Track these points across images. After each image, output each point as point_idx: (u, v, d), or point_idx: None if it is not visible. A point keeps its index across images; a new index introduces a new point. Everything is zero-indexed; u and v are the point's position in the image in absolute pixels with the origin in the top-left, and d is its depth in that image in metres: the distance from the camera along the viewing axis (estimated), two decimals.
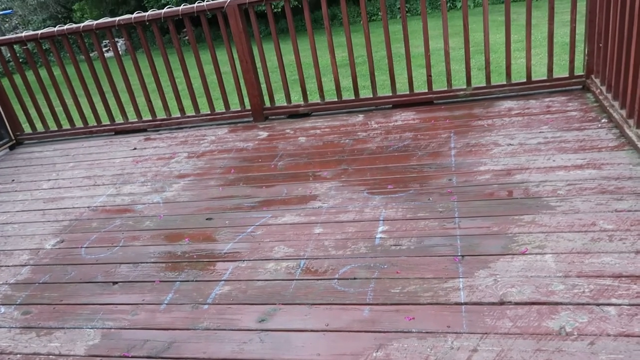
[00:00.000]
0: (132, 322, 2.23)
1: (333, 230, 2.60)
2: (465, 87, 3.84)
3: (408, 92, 3.97)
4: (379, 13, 14.20)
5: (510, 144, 3.09)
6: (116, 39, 14.75)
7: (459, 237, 2.36)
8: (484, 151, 3.08)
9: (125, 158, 3.98)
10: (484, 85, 3.83)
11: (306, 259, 2.43)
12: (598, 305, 1.82)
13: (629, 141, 2.81)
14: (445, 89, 3.90)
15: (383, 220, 2.61)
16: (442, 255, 2.27)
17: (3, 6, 15.56)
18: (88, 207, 3.31)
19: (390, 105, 4.00)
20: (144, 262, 2.63)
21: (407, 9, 14.25)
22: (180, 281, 2.43)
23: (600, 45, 3.33)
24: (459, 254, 2.26)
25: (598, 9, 3.33)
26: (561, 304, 1.86)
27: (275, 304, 2.18)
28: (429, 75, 3.88)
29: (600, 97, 3.32)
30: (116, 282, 2.51)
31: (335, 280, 2.25)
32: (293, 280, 2.30)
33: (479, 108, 3.69)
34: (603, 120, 3.15)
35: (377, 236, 2.50)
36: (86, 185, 3.64)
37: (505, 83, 3.78)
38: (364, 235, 2.52)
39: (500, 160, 2.93)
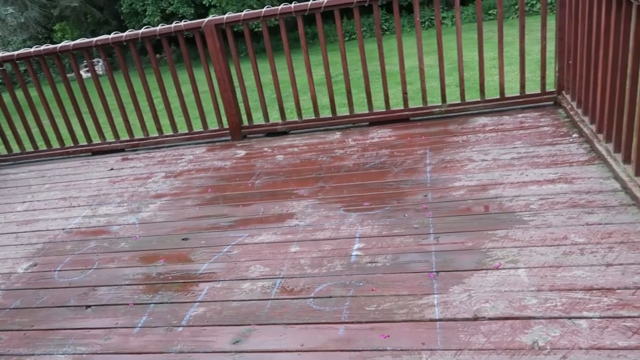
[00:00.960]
0: (105, 347, 2.18)
1: (309, 249, 2.59)
2: (440, 104, 3.90)
3: (384, 110, 4.01)
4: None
5: (485, 160, 3.13)
6: (96, 60, 14.72)
7: (434, 253, 2.37)
8: (459, 167, 3.11)
9: (102, 179, 3.95)
10: (459, 102, 3.88)
11: (282, 278, 2.41)
12: (570, 318, 1.84)
13: (598, 155, 2.87)
14: (421, 106, 3.95)
15: (359, 238, 2.61)
16: (417, 272, 2.28)
17: None
18: (63, 229, 3.26)
19: (367, 123, 4.04)
20: (118, 285, 2.59)
21: (385, 28, 14.49)
22: (155, 303, 2.40)
23: (570, 62, 3.41)
24: (434, 270, 2.27)
25: (567, 27, 3.42)
26: (534, 318, 1.87)
27: (250, 325, 2.15)
28: (404, 93, 3.93)
29: (571, 113, 3.39)
30: (89, 306, 2.47)
31: (311, 299, 2.24)
32: (269, 300, 2.29)
33: (454, 124, 3.74)
34: (574, 135, 3.21)
35: (353, 253, 2.49)
36: (61, 206, 3.59)
37: (479, 100, 3.85)
38: (340, 252, 2.52)
39: (475, 176, 2.97)
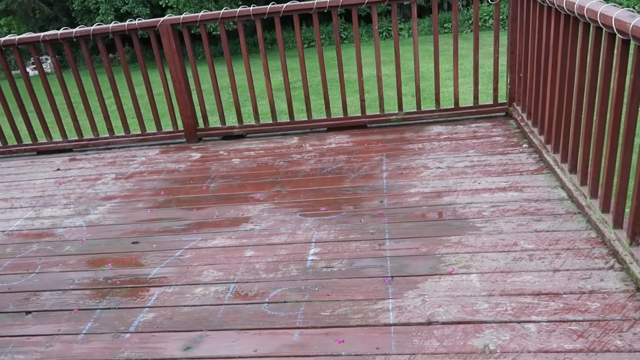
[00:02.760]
0: (46, 355, 2.07)
1: (264, 253, 2.56)
2: (397, 112, 3.95)
3: (342, 116, 4.03)
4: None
5: (439, 167, 3.19)
6: (44, 57, 14.14)
7: (389, 259, 2.39)
8: (415, 174, 3.15)
9: (47, 179, 3.77)
10: (415, 110, 3.95)
11: (236, 282, 2.36)
12: (519, 322, 1.88)
13: (547, 165, 2.97)
14: (378, 113, 3.99)
15: (315, 243, 2.59)
16: (373, 277, 2.28)
17: None
18: (2, 231, 3.09)
19: (325, 128, 4.04)
20: (62, 290, 2.47)
21: (344, 36, 14.64)
22: (102, 309, 2.30)
23: (521, 75, 3.53)
24: (389, 275, 2.28)
25: (518, 42, 3.55)
26: (485, 322, 1.91)
27: (202, 330, 2.09)
28: (362, 100, 3.96)
29: (522, 124, 3.50)
30: (30, 312, 2.34)
31: (265, 304, 2.21)
32: (222, 305, 2.23)
33: (410, 132, 3.80)
34: (524, 146, 3.32)
35: (308, 258, 2.48)
36: (1, 208, 3.40)
37: (434, 109, 3.92)
38: (295, 257, 2.49)
39: (430, 183, 3.01)
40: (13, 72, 4.22)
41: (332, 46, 11.74)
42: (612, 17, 1.97)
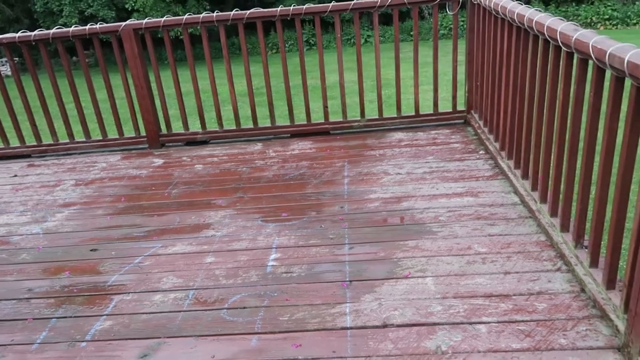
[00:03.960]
0: None
1: (225, 259, 2.56)
2: (359, 118, 4.01)
3: (306, 122, 4.06)
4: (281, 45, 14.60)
5: (399, 173, 3.26)
6: (3, 60, 13.75)
7: (348, 263, 2.43)
8: (375, 180, 3.21)
9: (4, 185, 3.68)
10: (377, 117, 4.02)
11: (196, 289, 2.36)
12: (471, 324, 1.95)
13: (501, 171, 3.07)
14: (341, 119, 4.04)
15: (276, 248, 2.62)
16: (331, 282, 2.32)
17: None
18: None
19: (289, 135, 4.07)
20: (17, 299, 2.41)
21: (312, 42, 14.73)
22: (57, 317, 2.26)
23: (478, 83, 3.64)
24: (347, 280, 2.32)
25: (475, 51, 3.66)
26: (438, 324, 1.96)
27: (160, 338, 2.09)
28: (325, 107, 4.01)
29: (479, 131, 3.61)
30: None
31: (225, 310, 2.21)
32: (181, 312, 2.23)
33: (372, 139, 3.86)
34: (480, 152, 3.42)
35: (269, 264, 2.49)
36: None
37: (396, 116, 4.00)
38: (255, 263, 2.51)
39: (390, 189, 3.08)
40: None
41: (296, 52, 11.76)
42: (557, 30, 2.07)
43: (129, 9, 14.84)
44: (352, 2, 3.70)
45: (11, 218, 3.19)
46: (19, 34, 3.89)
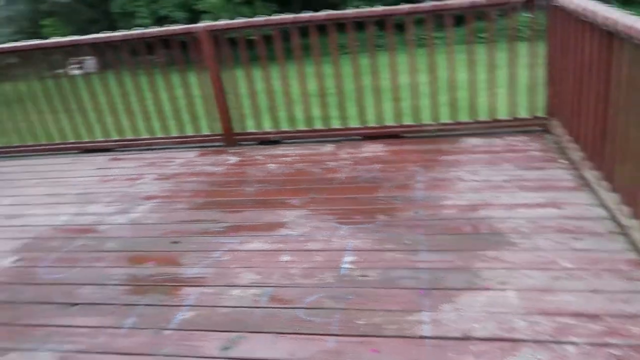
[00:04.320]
0: (91, 346, 2.16)
1: (300, 259, 2.60)
2: (432, 122, 3.96)
3: (377, 125, 4.05)
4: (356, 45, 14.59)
5: (475, 180, 3.19)
6: (84, 58, 14.56)
7: (424, 270, 2.41)
8: (450, 186, 3.16)
9: (91, 177, 3.90)
10: (451, 121, 3.95)
11: (272, 286, 2.42)
12: (558, 343, 1.88)
13: (586, 182, 2.94)
14: (414, 123, 4.00)
15: (350, 251, 2.63)
16: (408, 288, 2.30)
17: None
18: (50, 225, 3.21)
19: (360, 137, 4.08)
20: (105, 284, 2.56)
21: (381, 44, 14.67)
22: (143, 305, 2.38)
23: (559, 89, 3.50)
24: (424, 287, 2.30)
25: (556, 56, 3.52)
26: (523, 341, 1.91)
27: (240, 332, 2.15)
28: (397, 110, 3.98)
29: (560, 139, 3.47)
30: (75, 304, 2.44)
31: (301, 309, 2.25)
32: (259, 308, 2.29)
33: (446, 143, 3.80)
34: (562, 161, 3.29)
35: (343, 266, 2.51)
36: (49, 202, 3.54)
37: (471, 121, 3.92)
38: (330, 264, 2.53)
39: (465, 196, 3.02)
40: (56, 72, 4.37)
41: (367, 53, 11.72)
42: None
43: (200, 11, 15.31)
44: (424, 4, 3.67)
45: (98, 208, 3.38)
46: (105, 35, 4.11)
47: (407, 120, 4.05)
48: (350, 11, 3.76)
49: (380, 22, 3.92)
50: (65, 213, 3.35)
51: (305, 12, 3.86)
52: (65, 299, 2.48)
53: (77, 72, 4.69)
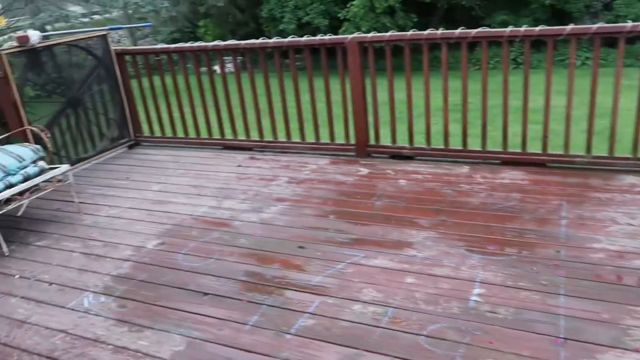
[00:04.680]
0: (217, 337, 2.28)
1: (425, 283, 2.52)
2: (583, 153, 3.62)
3: (520, 150, 3.80)
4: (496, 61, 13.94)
5: (630, 224, 2.85)
6: (228, 58, 15.64)
7: (563, 317, 2.20)
8: (599, 227, 2.86)
9: (230, 173, 4.15)
10: (606, 155, 3.58)
11: (394, 307, 2.36)
12: None
13: None
14: (562, 152, 3.69)
15: (480, 282, 2.48)
16: (542, 334, 2.12)
17: (140, 16, 17.09)
18: (190, 215, 3.47)
19: (499, 161, 3.85)
20: (234, 279, 2.69)
21: (516, 62, 13.87)
22: (267, 305, 2.46)
23: None
24: (562, 336, 2.09)
25: None
26: None
27: (358, 349, 2.13)
28: (545, 137, 3.70)
29: None
30: (207, 294, 2.59)
31: (423, 336, 2.17)
32: (379, 327, 2.25)
33: (597, 179, 3.45)
34: None
35: (472, 298, 2.38)
36: (191, 193, 3.82)
37: (630, 156, 3.51)
38: (457, 294, 2.41)
39: (618, 240, 2.71)
40: (200, 70, 4.69)
41: (515, 70, 11.10)
42: None
43: (341, 18, 15.69)
44: (570, 27, 3.39)
45: (234, 204, 3.58)
46: (259, 40, 4.33)
47: (555, 149, 3.75)
48: (506, 29, 3.58)
49: (537, 41, 3.68)
50: (205, 205, 3.60)
51: (446, 24, 3.75)
52: (198, 287, 2.64)
53: (227, 69, 4.97)
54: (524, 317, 2.22)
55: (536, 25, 3.65)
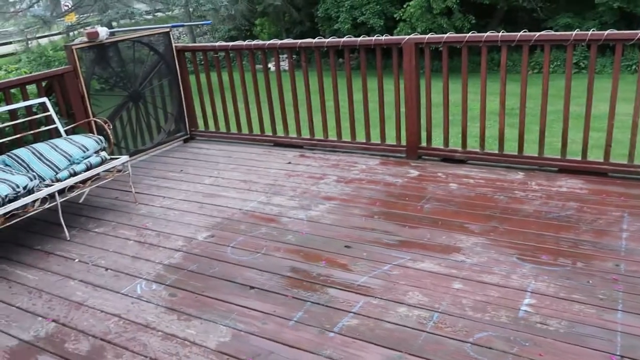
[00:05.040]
0: (261, 330, 2.31)
1: (473, 289, 2.46)
2: None
3: (580, 159, 3.65)
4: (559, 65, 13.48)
5: None
6: (282, 56, 15.82)
7: (620, 334, 2.10)
8: None
9: (280, 170, 4.20)
10: None
11: (440, 312, 2.33)
12: None
13: None
14: (625, 162, 3.51)
15: (531, 292, 2.41)
16: (596, 350, 2.03)
17: (200, 14, 17.56)
18: (240, 209, 3.54)
19: (556, 169, 3.71)
20: (280, 274, 2.72)
21: (583, 65, 13.30)
22: (312, 302, 2.47)
23: None
24: (618, 354, 2.00)
25: None
26: None
27: (401, 352, 2.11)
28: (608, 145, 3.53)
29: None
30: (253, 287, 2.63)
31: (469, 344, 2.13)
32: (424, 332, 2.22)
33: None
34: None
35: (522, 308, 2.31)
36: (241, 188, 3.90)
37: None
38: (507, 303, 2.35)
39: None
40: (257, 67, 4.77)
41: (580, 74, 10.59)
42: None
43: (397, 19, 15.56)
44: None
45: (283, 200, 3.62)
46: (315, 40, 4.36)
47: (618, 158, 3.57)
48: (572, 33, 3.45)
49: (602, 45, 3.52)
50: (254, 200, 3.66)
51: (505, 26, 3.64)
52: (245, 281, 2.69)
53: (274, 68, 5.00)
54: (577, 330, 2.14)
55: (603, 29, 3.49)
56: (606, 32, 3.37)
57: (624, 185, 3.40)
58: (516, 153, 3.85)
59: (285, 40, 4.63)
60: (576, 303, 2.31)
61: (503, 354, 2.06)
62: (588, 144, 3.63)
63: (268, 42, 4.59)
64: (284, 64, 15.36)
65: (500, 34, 3.69)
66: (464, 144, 4.04)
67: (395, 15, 15.73)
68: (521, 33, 3.59)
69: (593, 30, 3.44)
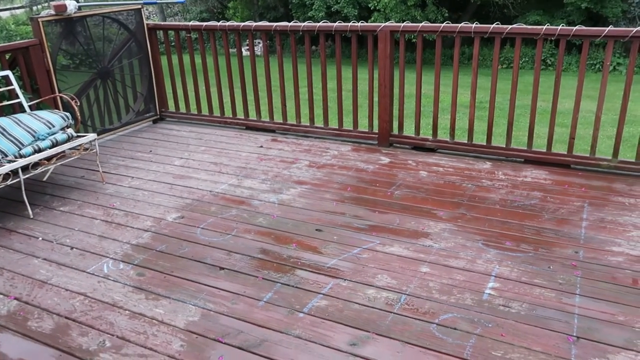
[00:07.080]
0: (231, 310, 2.31)
1: (440, 273, 2.52)
2: (610, 158, 3.56)
3: (545, 150, 3.76)
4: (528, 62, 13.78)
5: None
6: (257, 41, 15.64)
7: (577, 316, 2.19)
8: (620, 231, 2.82)
9: (251, 153, 4.18)
10: (633, 160, 3.52)
11: (408, 295, 2.38)
12: None
13: None
14: (587, 155, 3.64)
15: (495, 277, 2.48)
16: (555, 331, 2.12)
17: None
18: (210, 191, 3.51)
19: (522, 160, 3.82)
20: (250, 256, 2.73)
21: (549, 62, 13.64)
22: (281, 283, 2.49)
23: None
24: (574, 335, 2.09)
25: None
26: None
27: (369, 332, 2.15)
28: (572, 138, 3.65)
29: None
30: (223, 268, 2.63)
31: (435, 325, 2.18)
32: (391, 313, 2.27)
33: (621, 184, 3.40)
34: None
35: (486, 291, 2.38)
36: (212, 170, 3.87)
37: None
38: (472, 286, 2.42)
39: (638, 245, 2.68)
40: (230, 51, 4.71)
41: (547, 71, 10.90)
42: None
43: (371, 8, 15.58)
44: (607, 29, 3.32)
45: (254, 183, 3.61)
46: (291, 23, 4.34)
47: (580, 150, 3.70)
48: (542, 27, 3.53)
49: (553, 40, 3.61)
50: (225, 182, 3.63)
51: (477, 20, 3.71)
52: (215, 261, 2.69)
53: (256, 52, 4.97)
54: (538, 313, 2.22)
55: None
56: (575, 28, 3.47)
57: (585, 177, 3.52)
58: (485, 144, 3.94)
59: (260, 23, 4.58)
60: (537, 287, 2.39)
61: (467, 334, 2.12)
62: (553, 137, 3.74)
63: (243, 23, 4.54)
64: (258, 49, 15.22)
65: (473, 25, 3.75)
66: (435, 134, 4.10)
67: (369, 5, 15.74)
68: (494, 25, 3.66)
69: (562, 26, 3.54)
